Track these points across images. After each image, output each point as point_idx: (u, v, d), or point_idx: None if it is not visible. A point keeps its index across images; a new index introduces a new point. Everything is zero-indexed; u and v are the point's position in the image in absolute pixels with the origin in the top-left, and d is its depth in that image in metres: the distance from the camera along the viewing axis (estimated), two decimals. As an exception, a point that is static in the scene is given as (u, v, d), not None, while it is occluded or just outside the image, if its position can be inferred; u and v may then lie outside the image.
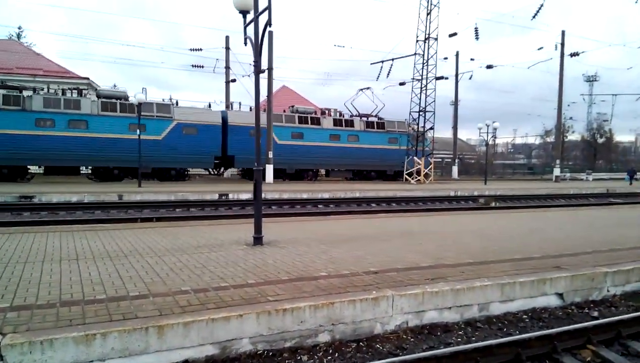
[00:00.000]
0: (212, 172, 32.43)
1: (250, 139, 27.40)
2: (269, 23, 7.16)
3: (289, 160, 30.43)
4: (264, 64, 27.29)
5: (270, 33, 26.61)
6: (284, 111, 31.69)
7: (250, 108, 29.56)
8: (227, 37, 32.55)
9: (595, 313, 5.78)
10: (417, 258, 6.81)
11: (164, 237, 8.45)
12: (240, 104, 30.33)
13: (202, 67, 33.37)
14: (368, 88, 34.84)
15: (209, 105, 29.19)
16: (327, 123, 32.27)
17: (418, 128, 32.95)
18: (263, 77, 27.37)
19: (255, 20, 7.46)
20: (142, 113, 24.15)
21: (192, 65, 33.41)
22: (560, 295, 6.03)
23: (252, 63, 7.67)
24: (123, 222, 11.87)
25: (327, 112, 33.51)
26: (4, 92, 23.95)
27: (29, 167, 25.90)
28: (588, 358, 4.49)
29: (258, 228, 7.51)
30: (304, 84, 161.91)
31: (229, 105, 32.70)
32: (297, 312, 4.52)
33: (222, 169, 31.79)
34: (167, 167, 27.45)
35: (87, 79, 42.18)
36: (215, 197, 19.23)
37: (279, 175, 30.36)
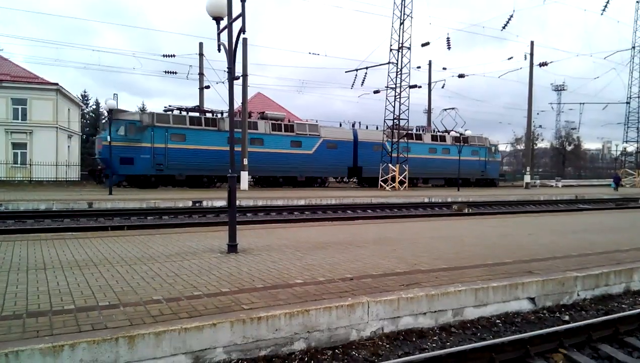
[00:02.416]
0: (344, 181, 38.52)
1: (373, 153, 33.91)
2: (242, 30, 7.14)
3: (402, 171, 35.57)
4: (239, 71, 27.18)
5: (245, 40, 26.56)
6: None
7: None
8: (200, 44, 32.23)
9: (567, 317, 5.89)
10: (392, 265, 6.84)
11: (135, 245, 8.27)
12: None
13: (175, 73, 32.98)
14: (453, 108, 39.90)
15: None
16: (426, 138, 37.41)
17: (392, 136, 33.25)
18: (237, 84, 27.40)
19: (229, 26, 7.42)
20: (298, 132, 31.26)
21: (165, 72, 33.02)
22: (532, 300, 6.13)
23: (226, 70, 7.61)
24: (93, 230, 11.57)
25: (425, 129, 38.67)
26: (206, 115, 28.89)
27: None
28: (560, 361, 4.57)
29: (232, 236, 7.42)
30: (281, 91, 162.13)
31: (202, 111, 32.50)
32: (272, 320, 4.47)
33: (345, 178, 37.57)
34: (315, 176, 32.87)
35: (57, 84, 41.23)
36: (189, 204, 18.97)
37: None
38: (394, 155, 32.92)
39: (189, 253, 7.52)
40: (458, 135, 38.45)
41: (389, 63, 32.80)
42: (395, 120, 33.11)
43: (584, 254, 8.01)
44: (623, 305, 6.43)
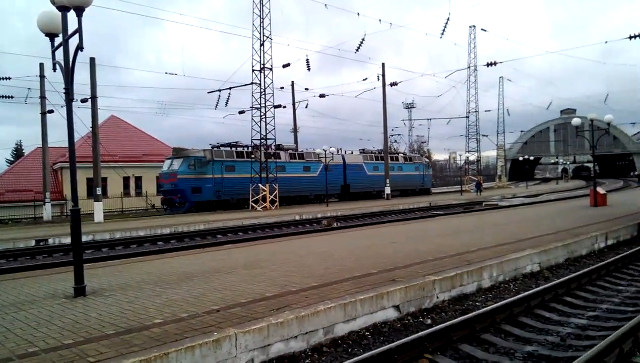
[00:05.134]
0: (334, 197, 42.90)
1: (357, 173, 42.21)
2: (80, 47, 6.46)
3: (373, 186, 43.42)
4: (86, 93, 25.04)
5: (93, 59, 24.44)
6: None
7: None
8: (41, 64, 28.86)
9: (429, 321, 6.17)
10: (262, 289, 6.59)
11: (-44, 300, 6.90)
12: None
13: (12, 97, 29.25)
14: (399, 135, 51.31)
15: None
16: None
17: (261, 156, 33.23)
18: (86, 107, 25.12)
19: (65, 44, 6.67)
20: (307, 159, 38.17)
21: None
22: (397, 307, 6.33)
23: (64, 90, 6.80)
24: None
25: (381, 150, 46.75)
26: (240, 149, 34.46)
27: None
28: (425, 367, 4.70)
29: (79, 277, 6.53)
30: (144, 114, 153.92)
31: (46, 138, 29.25)
32: (124, 370, 3.93)
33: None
34: (320, 194, 37.65)
35: None
36: (32, 244, 16.68)
37: (370, 196, 42.89)
38: (264, 175, 32.90)
39: (27, 302, 6.46)
40: (400, 154, 49.08)
41: (252, 83, 32.82)
42: (262, 140, 33.15)
43: (439, 258, 8.58)
44: (477, 303, 6.95)
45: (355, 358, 4.54)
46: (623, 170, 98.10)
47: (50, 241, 17.15)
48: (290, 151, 38.49)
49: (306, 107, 44.40)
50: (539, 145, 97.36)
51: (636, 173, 74.02)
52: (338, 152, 44.00)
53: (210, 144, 34.85)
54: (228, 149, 34.32)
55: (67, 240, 16.80)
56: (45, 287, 7.54)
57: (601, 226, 12.71)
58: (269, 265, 8.65)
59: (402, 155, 50.03)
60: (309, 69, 37.51)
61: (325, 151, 37.01)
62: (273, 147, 37.55)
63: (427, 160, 55.20)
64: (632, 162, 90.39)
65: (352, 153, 44.98)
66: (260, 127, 32.96)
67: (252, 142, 34.10)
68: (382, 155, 46.13)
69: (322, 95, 41.62)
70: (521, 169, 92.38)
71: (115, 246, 16.06)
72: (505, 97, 72.98)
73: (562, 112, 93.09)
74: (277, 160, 36.36)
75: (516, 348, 5.12)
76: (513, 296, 6.85)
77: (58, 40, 6.98)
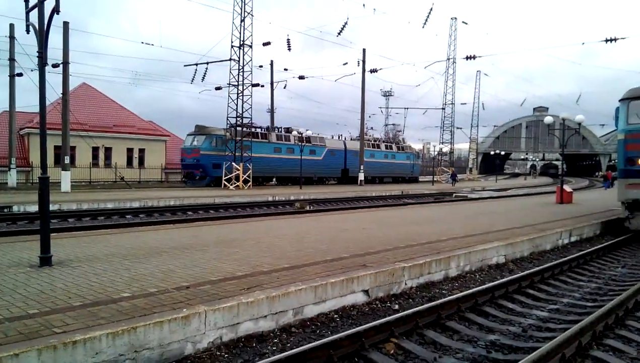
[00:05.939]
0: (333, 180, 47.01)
1: (356, 159, 43.95)
2: (56, 10, 6.23)
3: (370, 171, 46.08)
4: (58, 57, 24.19)
5: (66, 23, 23.57)
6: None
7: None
8: (11, 25, 27.77)
9: (396, 306, 6.29)
10: (234, 268, 6.58)
11: None
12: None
13: (-23, 59, 28.08)
14: (393, 124, 57.80)
15: None
16: (382, 147, 50.66)
17: (236, 135, 32.89)
18: (57, 72, 24.27)
19: (40, 5, 6.41)
20: (313, 143, 41.15)
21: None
22: (366, 292, 6.42)
23: (37, 54, 6.55)
24: None
25: (378, 139, 52.97)
26: (259, 130, 37.53)
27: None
28: (391, 351, 4.79)
29: (45, 246, 6.38)
30: (117, 83, 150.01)
31: (13, 102, 28.23)
32: (91, 342, 3.88)
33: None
34: (322, 176, 43.35)
35: None
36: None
37: (366, 181, 43.76)
38: (238, 154, 32.60)
39: (-11, 269, 6.28)
40: (394, 143, 52.81)
41: (230, 60, 32.30)
42: (238, 119, 32.78)
43: (410, 245, 8.71)
44: (443, 291, 7.11)
45: (323, 340, 4.59)
46: (589, 170, 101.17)
47: (15, 208, 16.66)
48: (299, 135, 41.30)
49: (285, 87, 44.19)
50: (510, 141, 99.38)
51: (601, 173, 76.65)
52: (339, 138, 47.50)
53: (228, 122, 36.38)
54: (246, 129, 36.21)
55: (32, 208, 16.35)
56: (9, 255, 7.33)
57: (566, 223, 13.11)
58: (241, 245, 8.63)
59: (395, 144, 53.82)
60: (289, 49, 37.15)
61: (301, 132, 36.93)
62: (283, 129, 41.30)
63: (416, 150, 59.37)
64: (598, 163, 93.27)
65: (350, 139, 48.05)
66: (237, 105, 32.58)
67: (227, 120, 33.82)
68: (378, 143, 50.83)
69: (301, 77, 41.34)
70: (492, 163, 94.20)
71: (82, 217, 15.71)
72: (481, 91, 74.10)
73: (535, 109, 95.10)
74: (287, 142, 39.44)
75: (479, 337, 5.27)
76: (478, 286, 7.03)
77: (32, 1, 6.72)
